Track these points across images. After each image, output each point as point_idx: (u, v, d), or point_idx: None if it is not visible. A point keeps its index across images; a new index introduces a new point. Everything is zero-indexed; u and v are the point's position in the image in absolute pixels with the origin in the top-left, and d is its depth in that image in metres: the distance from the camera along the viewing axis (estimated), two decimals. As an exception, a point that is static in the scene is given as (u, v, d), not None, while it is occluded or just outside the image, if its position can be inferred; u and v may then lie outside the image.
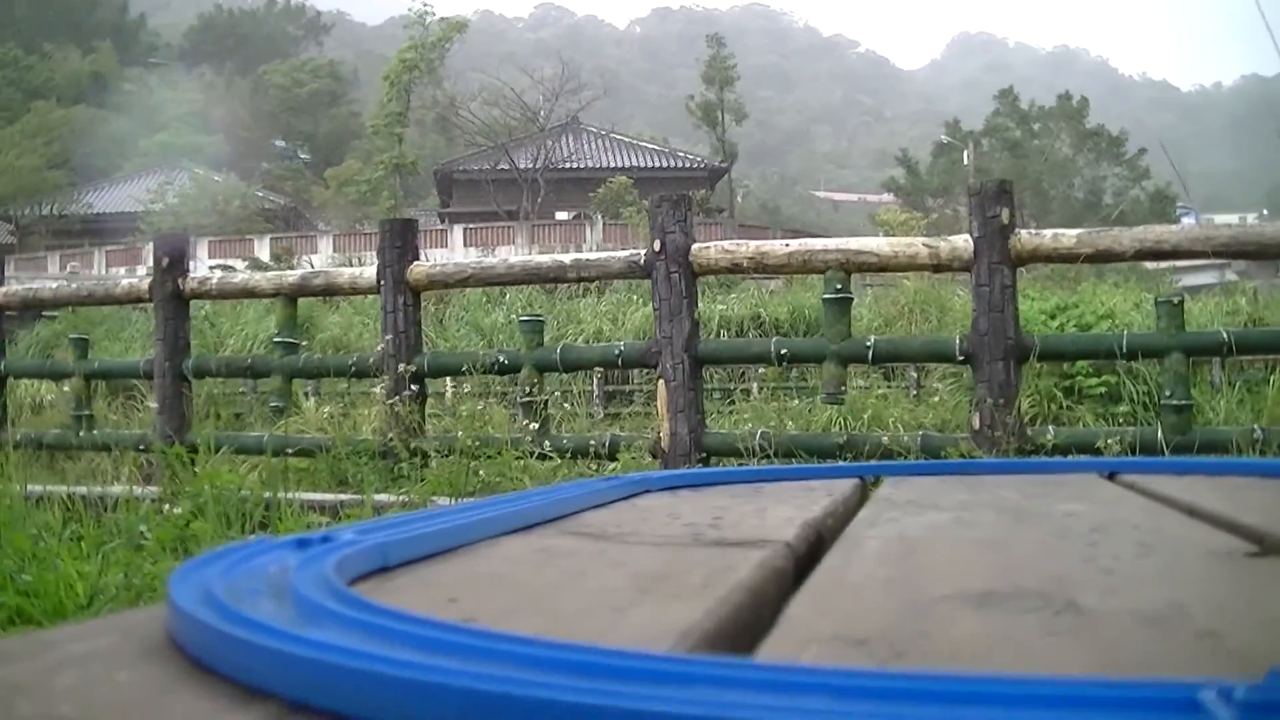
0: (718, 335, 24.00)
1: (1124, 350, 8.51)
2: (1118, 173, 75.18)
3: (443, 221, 65.39)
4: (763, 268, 9.21)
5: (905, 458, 7.93)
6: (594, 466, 8.70)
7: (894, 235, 50.68)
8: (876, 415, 15.54)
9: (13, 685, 0.78)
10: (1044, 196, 67.81)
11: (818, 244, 8.97)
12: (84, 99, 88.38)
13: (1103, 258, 8.55)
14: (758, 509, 2.00)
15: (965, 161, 71.68)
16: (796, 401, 16.20)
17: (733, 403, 19.55)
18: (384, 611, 0.90)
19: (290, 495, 6.87)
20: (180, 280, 11.03)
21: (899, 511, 2.05)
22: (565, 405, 15.51)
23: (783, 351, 9.22)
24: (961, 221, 60.95)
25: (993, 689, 0.67)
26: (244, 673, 0.80)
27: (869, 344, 8.76)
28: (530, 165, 64.53)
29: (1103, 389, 16.26)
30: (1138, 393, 16.19)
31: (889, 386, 19.52)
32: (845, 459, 8.72)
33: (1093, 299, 19.33)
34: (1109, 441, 7.96)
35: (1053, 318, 17.39)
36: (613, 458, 8.82)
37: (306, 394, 16.33)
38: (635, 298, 27.05)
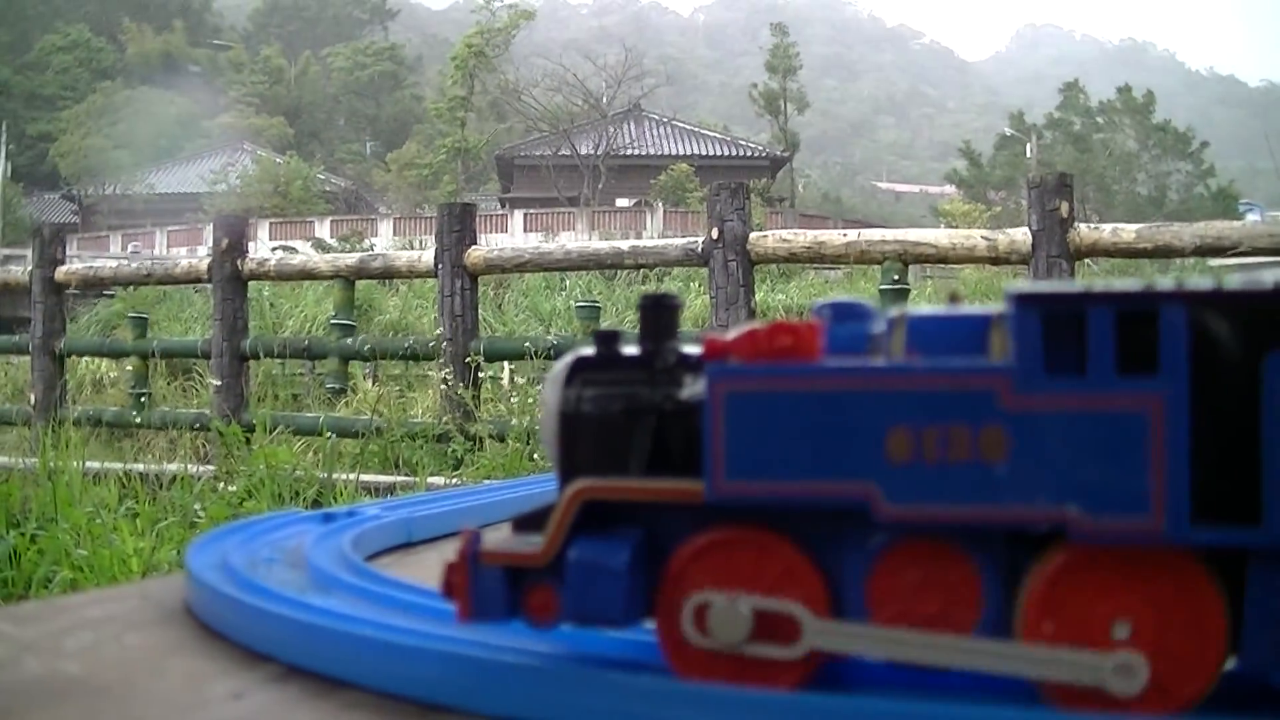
0: (775, 325, 23.93)
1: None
2: (1182, 168, 74.50)
3: (503, 206, 65.43)
4: (820, 257, 9.19)
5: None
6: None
7: (955, 227, 50.51)
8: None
9: (24, 645, 0.79)
10: (1108, 191, 67.28)
11: (875, 234, 8.94)
12: (150, 80, 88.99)
13: (1162, 253, 8.48)
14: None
15: (1028, 154, 71.17)
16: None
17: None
18: (394, 583, 0.91)
19: (344, 476, 6.91)
20: (239, 261, 11.11)
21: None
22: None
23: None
24: (1024, 214, 60.63)
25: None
26: (250, 637, 0.82)
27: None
28: (591, 151, 64.46)
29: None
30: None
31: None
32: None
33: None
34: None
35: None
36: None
37: (365, 375, 16.41)
38: (695, 284, 27.01)
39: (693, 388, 0.88)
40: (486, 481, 6.90)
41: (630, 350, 0.92)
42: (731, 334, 0.86)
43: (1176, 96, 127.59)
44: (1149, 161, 74.79)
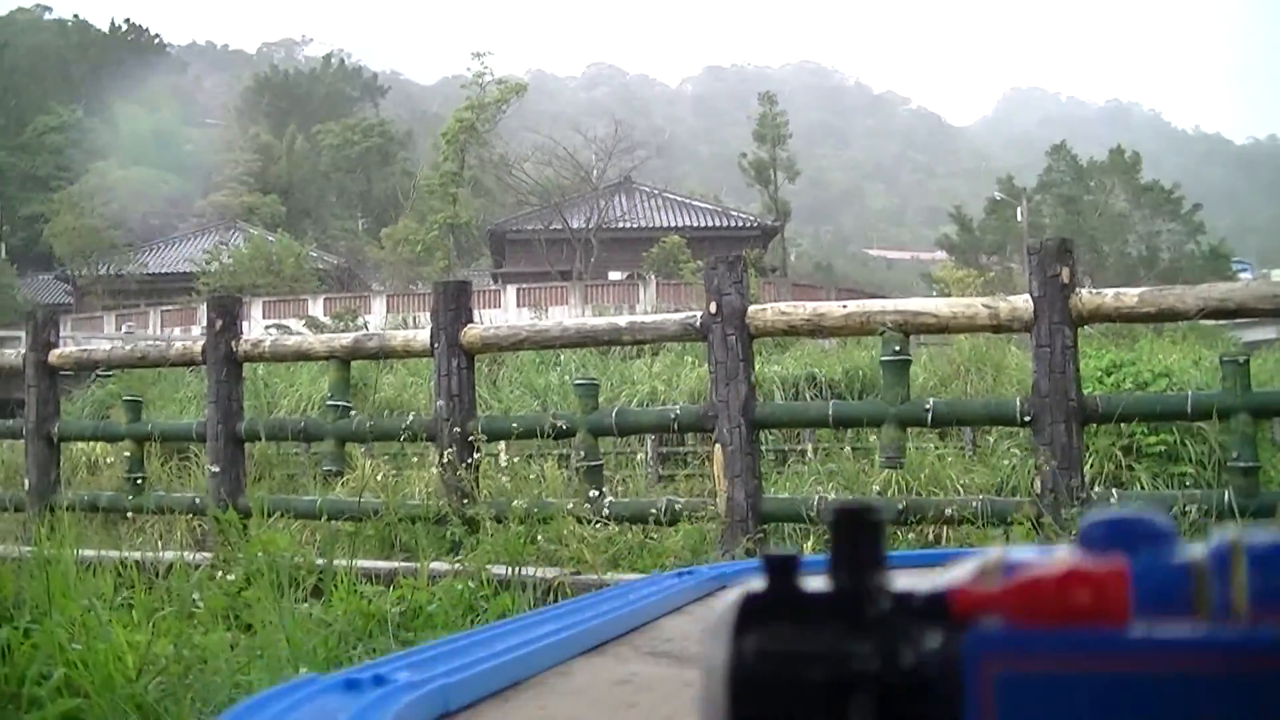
0: (771, 396, 23.81)
1: (1190, 411, 8.36)
2: (1173, 228, 74.80)
3: (496, 282, 65.56)
4: (820, 330, 9.12)
5: (972, 524, 7.81)
6: (654, 535, 8.59)
7: (948, 293, 50.60)
8: (933, 476, 15.34)
9: None
10: (1098, 252, 67.50)
11: (875, 305, 8.88)
12: (143, 160, 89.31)
13: (1166, 317, 8.42)
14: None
15: (1019, 218, 71.39)
16: (851, 463, 16.05)
17: (786, 465, 19.38)
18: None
19: (343, 562, 6.81)
20: (233, 343, 11.03)
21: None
22: (620, 468, 15.43)
23: (840, 415, 9.14)
24: (1016, 278, 60.91)
25: None
26: None
27: (928, 407, 8.65)
28: (583, 225, 64.61)
29: (1161, 448, 15.98)
30: (1196, 452, 15.92)
31: (945, 446, 19.28)
32: (909, 524, 8.60)
33: (1150, 356, 19.11)
34: (1183, 507, 7.75)
35: (1108, 375, 17.15)
36: (672, 524, 8.71)
37: (362, 453, 16.29)
38: (689, 358, 26.92)
39: (927, 647, 0.63)
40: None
41: (819, 585, 0.66)
42: (984, 574, 0.63)
43: (1164, 156, 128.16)
44: (1139, 222, 75.11)
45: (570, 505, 8.33)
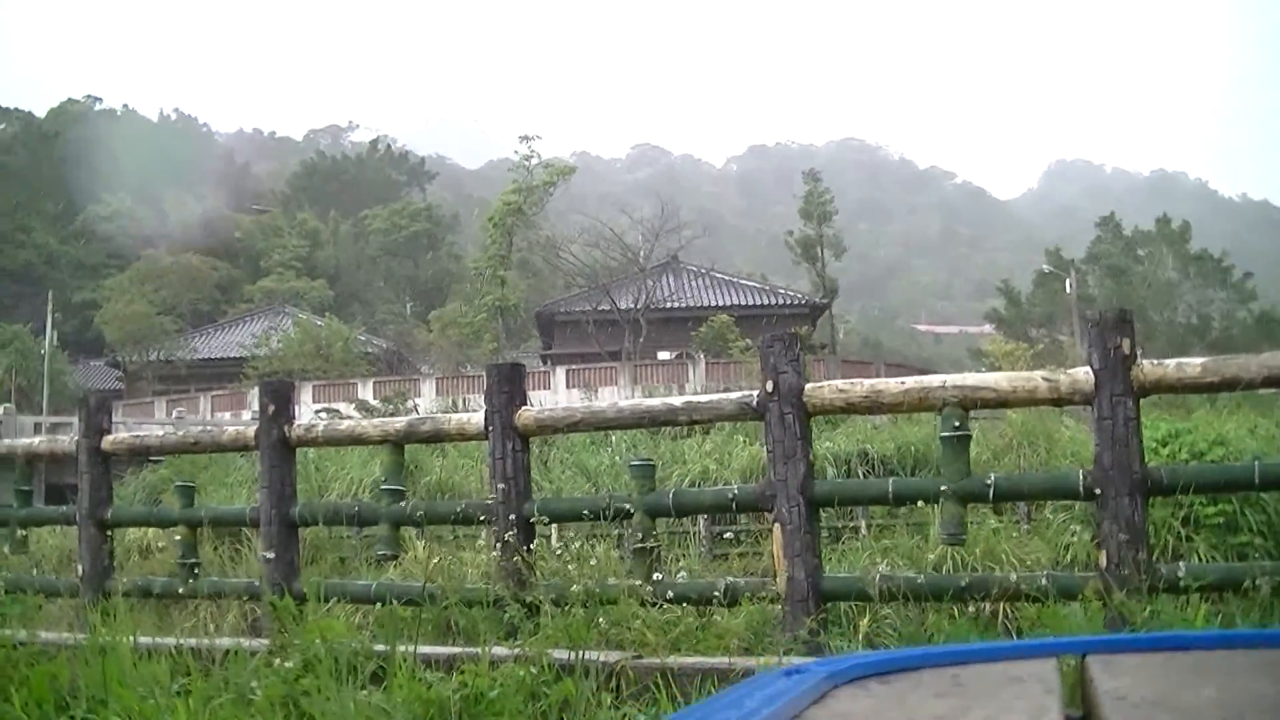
0: (824, 473, 23.69)
1: (1258, 480, 8.22)
2: (1223, 296, 74.60)
3: (545, 363, 65.76)
4: (878, 407, 9.00)
5: (1038, 601, 7.68)
6: (716, 615, 8.47)
7: (998, 366, 50.38)
8: (989, 550, 15.19)
9: None
10: (1148, 322, 67.30)
11: (934, 380, 8.76)
12: (192, 246, 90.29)
13: (1230, 386, 8.27)
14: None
15: (1067, 290, 71.25)
16: (906, 538, 15.93)
17: (840, 541, 19.26)
18: None
19: (403, 648, 6.73)
20: (286, 427, 10.99)
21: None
22: (673, 546, 15.35)
23: (900, 492, 9.04)
24: (1066, 350, 60.60)
25: None
26: None
27: (989, 482, 8.52)
28: (631, 305, 64.79)
29: (1220, 518, 15.74)
30: (1256, 522, 15.68)
31: (1000, 519, 19.10)
32: (973, 600, 8.47)
33: (1206, 425, 18.89)
34: (1258, 581, 7.54)
35: (1164, 445, 16.94)
36: (733, 604, 8.60)
37: (415, 535, 16.24)
38: (740, 436, 26.87)
39: None
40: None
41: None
42: None
43: (1211, 224, 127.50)
44: (1188, 291, 74.96)
45: (632, 587, 8.23)
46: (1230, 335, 67.55)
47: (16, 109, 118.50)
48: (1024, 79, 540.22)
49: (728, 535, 22.63)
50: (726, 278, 76.19)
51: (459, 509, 10.59)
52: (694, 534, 22.78)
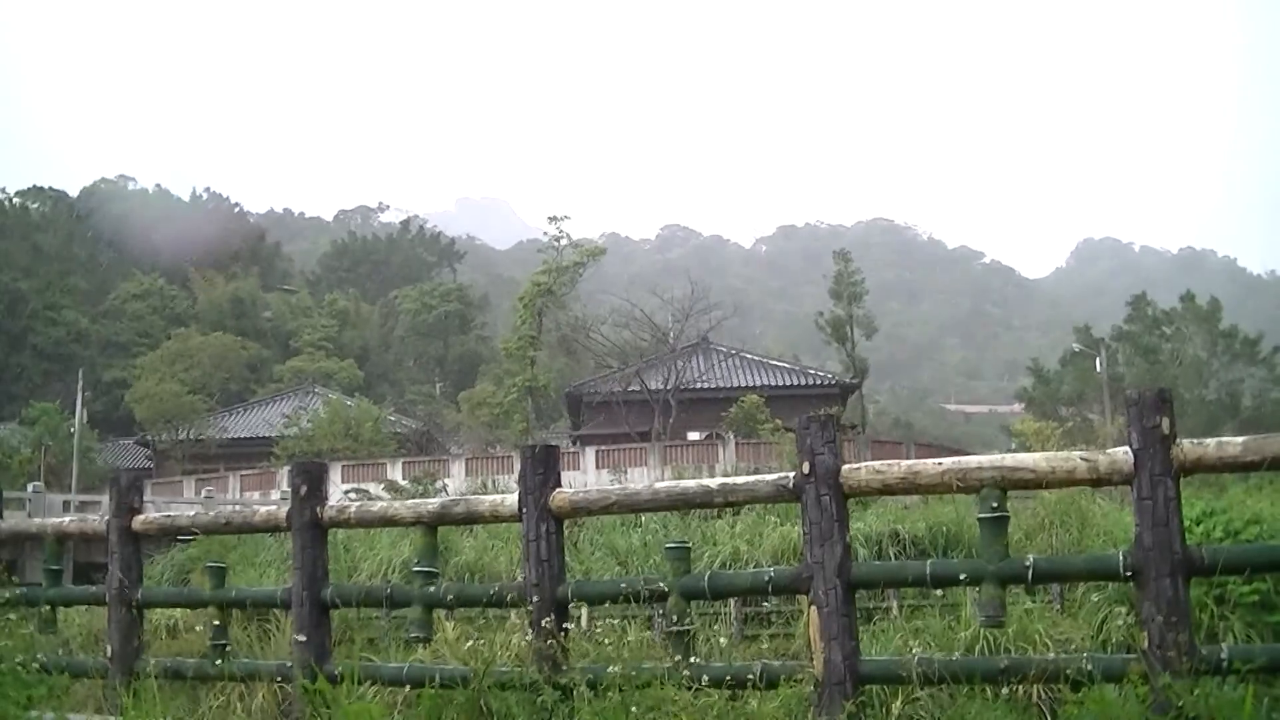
0: (855, 554, 23.50)
1: (1300, 560, 8.12)
2: (1253, 373, 74.47)
3: (574, 444, 65.71)
4: (915, 488, 8.92)
5: (1077, 683, 7.58)
6: (750, 700, 8.37)
7: (1029, 445, 50.14)
8: (1022, 631, 15.03)
9: None
10: (1179, 400, 67.05)
11: (972, 462, 8.68)
12: (222, 326, 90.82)
13: (1273, 465, 8.17)
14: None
15: (1097, 368, 71.18)
16: (939, 619, 15.77)
17: (871, 622, 19.07)
18: None
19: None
20: (318, 508, 10.95)
21: None
22: (703, 628, 15.21)
23: (939, 574, 8.96)
24: (1095, 428, 60.38)
25: None
26: None
27: (1028, 563, 8.44)
28: (661, 386, 64.86)
29: (1255, 597, 15.55)
30: (1292, 600, 15.48)
31: (1032, 599, 18.91)
32: (1010, 682, 8.37)
33: (1240, 503, 18.71)
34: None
35: (1198, 524, 16.78)
36: (770, 688, 8.50)
37: (444, 615, 16.15)
38: (772, 517, 26.69)
39: None
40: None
41: None
42: None
43: (1241, 302, 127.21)
44: (1219, 369, 74.86)
45: (668, 670, 8.15)
46: (1261, 413, 67.35)
47: (50, 188, 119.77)
48: (1052, 157, 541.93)
49: (762, 611, 22.50)
50: (756, 358, 76.20)
51: (492, 591, 10.52)
52: (725, 615, 22.62)
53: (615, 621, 12.93)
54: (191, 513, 13.70)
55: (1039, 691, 10.92)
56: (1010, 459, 8.74)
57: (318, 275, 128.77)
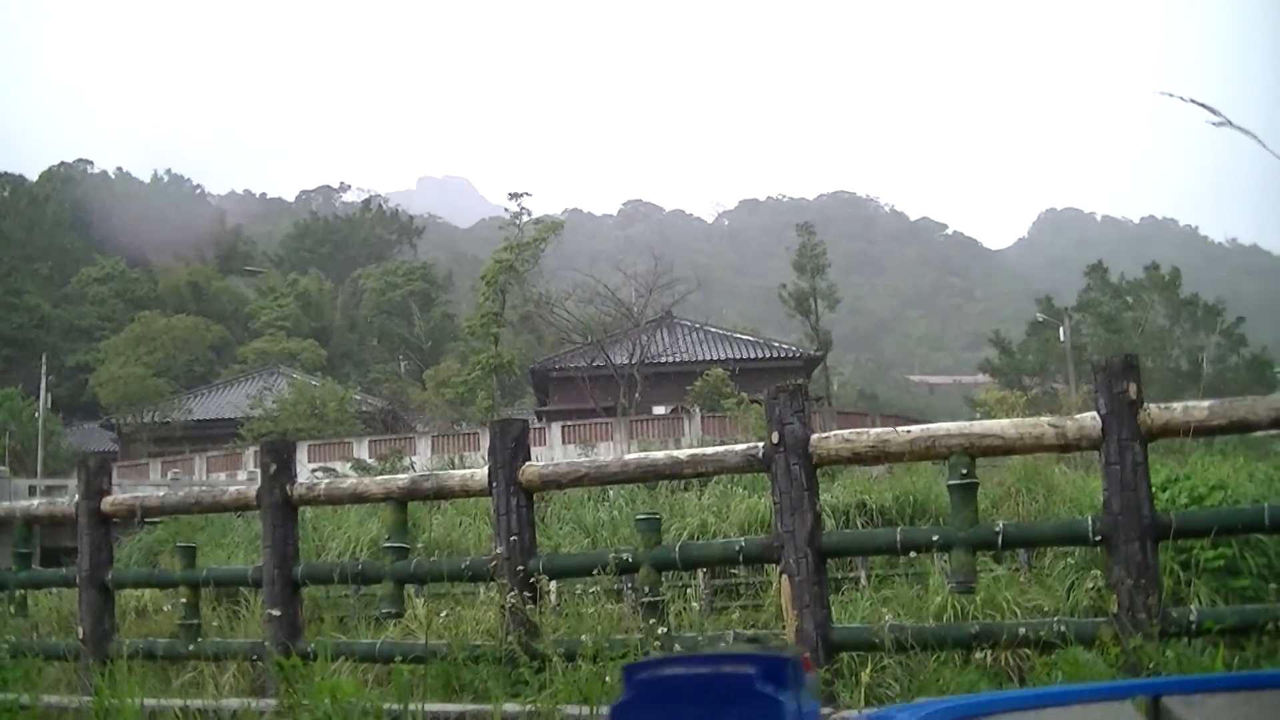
0: (824, 525, 23.54)
1: (1267, 523, 8.18)
2: (1214, 341, 74.85)
3: (540, 420, 65.60)
4: (885, 456, 8.98)
5: (1048, 647, 7.62)
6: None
7: (994, 415, 50.30)
8: (990, 598, 15.09)
9: None
10: (1143, 368, 67.49)
11: (940, 429, 8.74)
12: (185, 309, 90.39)
13: (1238, 428, 8.28)
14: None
15: (1061, 338, 71.39)
16: (906, 587, 15.82)
17: (840, 592, 19.12)
18: None
19: (412, 706, 6.67)
20: (288, 487, 10.96)
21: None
22: (672, 600, 15.21)
23: (909, 541, 9.01)
24: (1059, 398, 60.57)
25: None
26: None
27: (998, 529, 8.50)
28: (626, 361, 64.81)
29: (1220, 562, 15.65)
30: (1256, 565, 15.58)
31: (999, 567, 18.97)
32: (981, 648, 8.43)
33: (1204, 470, 18.81)
34: (1276, 623, 7.46)
35: (1163, 490, 16.88)
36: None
37: (413, 594, 16.14)
38: (739, 489, 26.69)
39: None
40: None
41: None
42: None
43: (1202, 270, 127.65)
44: (1181, 336, 75.24)
45: (640, 640, 8.18)
46: (1223, 379, 67.73)
47: (7, 173, 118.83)
48: (1013, 128, 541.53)
49: (731, 583, 22.50)
50: (720, 332, 76.17)
51: (464, 566, 10.55)
52: (694, 587, 22.62)
53: (582, 593, 12.96)
54: (160, 494, 13.68)
55: (1008, 658, 10.99)
56: (979, 426, 8.80)
57: (280, 256, 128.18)
